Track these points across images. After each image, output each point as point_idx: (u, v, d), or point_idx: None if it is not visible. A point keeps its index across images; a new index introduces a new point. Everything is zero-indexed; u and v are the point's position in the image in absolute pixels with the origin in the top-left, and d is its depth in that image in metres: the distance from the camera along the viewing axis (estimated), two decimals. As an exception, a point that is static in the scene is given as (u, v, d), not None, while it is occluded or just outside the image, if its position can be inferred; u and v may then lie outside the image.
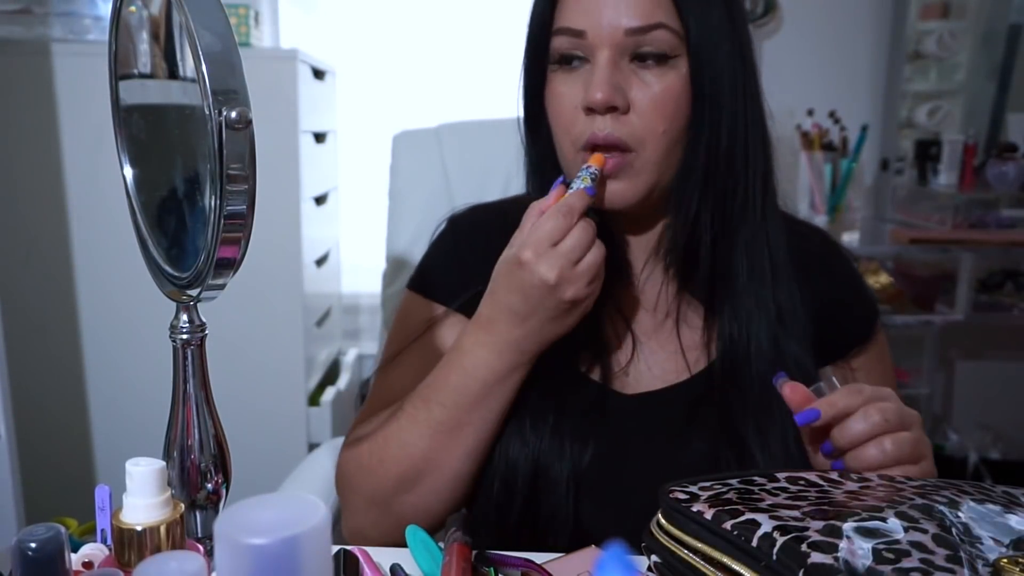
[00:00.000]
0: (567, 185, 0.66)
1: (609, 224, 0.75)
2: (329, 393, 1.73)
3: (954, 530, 0.41)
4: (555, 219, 0.63)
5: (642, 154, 0.67)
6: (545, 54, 0.70)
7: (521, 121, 0.75)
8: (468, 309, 0.75)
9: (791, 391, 0.60)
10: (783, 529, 0.41)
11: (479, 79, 1.98)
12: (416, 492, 0.68)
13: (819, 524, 0.41)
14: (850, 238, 1.74)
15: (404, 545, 0.63)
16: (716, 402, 0.70)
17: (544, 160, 0.74)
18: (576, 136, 0.68)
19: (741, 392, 0.70)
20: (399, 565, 0.59)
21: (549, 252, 0.62)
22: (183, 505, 0.43)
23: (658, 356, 0.74)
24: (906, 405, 0.60)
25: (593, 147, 0.67)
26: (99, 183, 1.50)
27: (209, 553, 0.47)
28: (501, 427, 0.69)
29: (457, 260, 0.79)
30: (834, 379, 0.61)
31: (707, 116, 0.67)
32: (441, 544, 0.60)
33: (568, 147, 0.70)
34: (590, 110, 0.66)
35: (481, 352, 0.66)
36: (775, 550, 0.40)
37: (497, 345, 0.66)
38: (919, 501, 0.44)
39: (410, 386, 0.74)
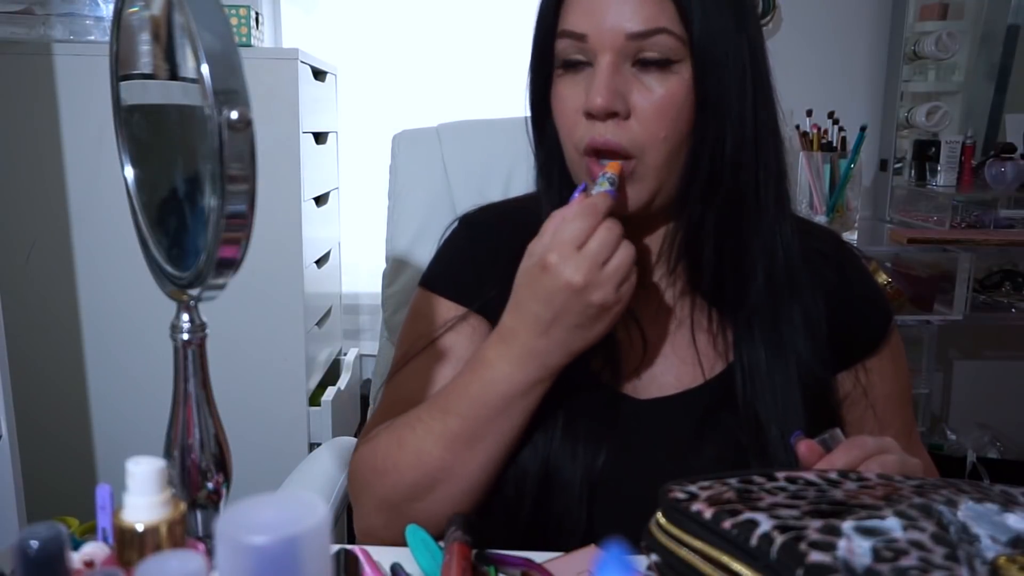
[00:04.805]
0: (587, 192, 0.65)
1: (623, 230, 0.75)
2: (329, 393, 1.74)
3: (952, 528, 0.41)
4: (579, 220, 0.61)
5: (643, 160, 0.66)
6: (550, 57, 0.69)
7: (528, 122, 0.75)
8: (485, 311, 0.75)
9: (807, 450, 0.59)
10: (782, 528, 0.41)
11: (479, 79, 1.98)
12: (429, 500, 0.67)
13: (818, 523, 0.42)
14: (849, 238, 1.74)
15: (406, 545, 0.63)
16: (730, 408, 0.70)
17: (551, 161, 0.73)
18: (578, 140, 0.68)
19: (755, 399, 0.69)
20: (399, 565, 0.59)
21: (575, 254, 0.61)
22: (184, 504, 0.43)
23: (672, 361, 0.74)
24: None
25: (595, 151, 0.67)
26: (100, 183, 1.50)
27: (209, 552, 0.48)
28: (519, 440, 0.68)
29: (472, 259, 0.78)
30: (838, 431, 0.61)
31: (711, 122, 0.66)
32: (441, 544, 0.61)
33: (571, 151, 0.69)
34: (591, 115, 0.66)
35: (502, 365, 0.65)
36: (774, 549, 0.40)
37: (520, 357, 0.64)
38: (917, 500, 0.44)
39: (424, 387, 0.73)
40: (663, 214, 0.72)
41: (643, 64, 0.66)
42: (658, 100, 0.65)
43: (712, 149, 0.67)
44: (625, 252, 0.62)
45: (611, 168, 0.66)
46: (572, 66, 0.68)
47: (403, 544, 0.63)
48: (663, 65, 0.65)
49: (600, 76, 0.65)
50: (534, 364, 0.64)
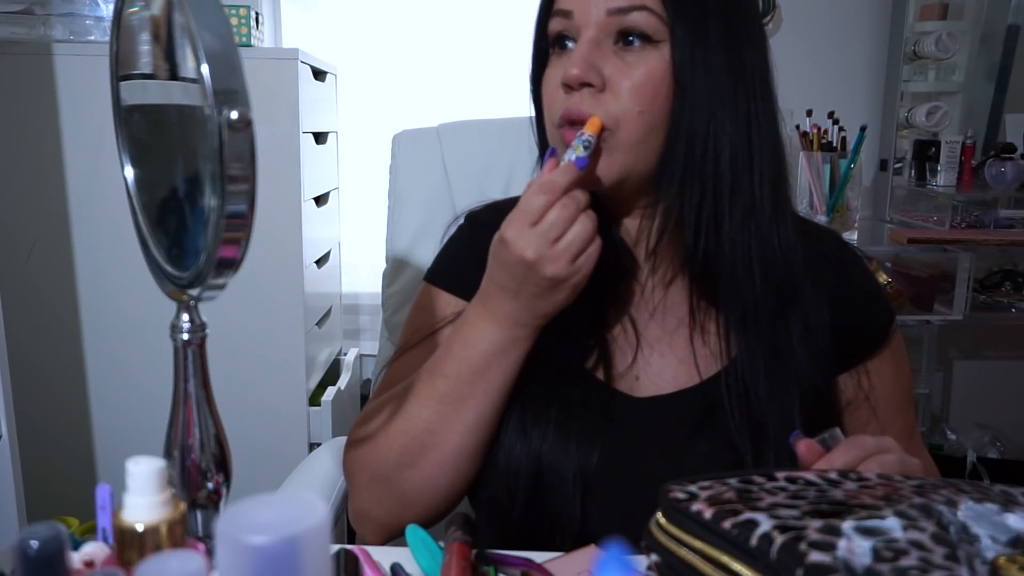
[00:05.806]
0: (556, 158, 0.66)
1: (611, 220, 0.75)
2: (329, 393, 1.74)
3: (952, 528, 0.41)
4: (535, 197, 0.63)
5: (616, 133, 0.66)
6: (547, 39, 0.71)
7: (532, 111, 0.76)
8: None
9: (806, 449, 0.60)
10: (782, 528, 0.41)
11: (479, 79, 1.98)
12: (419, 466, 0.69)
13: (818, 523, 0.42)
14: (849, 238, 1.74)
15: (404, 525, 0.64)
16: (726, 409, 0.70)
17: None
18: (554, 113, 0.69)
19: (752, 400, 0.69)
20: (399, 565, 0.59)
21: (528, 231, 0.62)
22: (184, 504, 0.43)
23: (669, 360, 0.74)
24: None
25: (569, 122, 0.67)
26: (100, 183, 1.50)
27: (209, 552, 0.48)
28: (504, 406, 0.69)
29: (476, 254, 0.79)
30: (838, 431, 0.61)
31: (689, 104, 0.66)
32: (441, 543, 0.61)
33: (549, 126, 0.71)
34: (568, 87, 0.67)
35: (481, 324, 0.67)
36: (774, 549, 0.40)
37: (495, 317, 0.67)
38: (917, 500, 0.44)
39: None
40: (643, 197, 0.72)
41: (625, 42, 0.67)
42: (634, 76, 0.66)
43: (689, 132, 0.67)
44: (581, 227, 0.63)
45: (589, 127, 0.65)
46: (562, 46, 0.70)
47: (394, 525, 0.63)
48: (643, 43, 0.66)
49: (578, 49, 0.67)
50: (508, 322, 0.67)
